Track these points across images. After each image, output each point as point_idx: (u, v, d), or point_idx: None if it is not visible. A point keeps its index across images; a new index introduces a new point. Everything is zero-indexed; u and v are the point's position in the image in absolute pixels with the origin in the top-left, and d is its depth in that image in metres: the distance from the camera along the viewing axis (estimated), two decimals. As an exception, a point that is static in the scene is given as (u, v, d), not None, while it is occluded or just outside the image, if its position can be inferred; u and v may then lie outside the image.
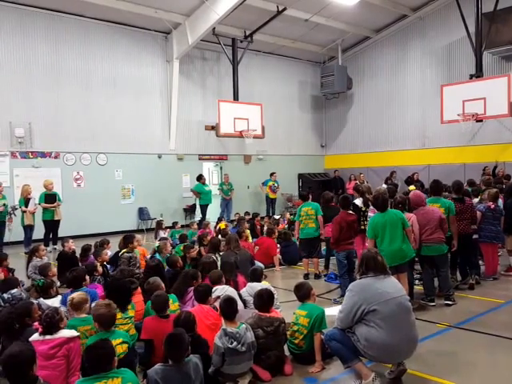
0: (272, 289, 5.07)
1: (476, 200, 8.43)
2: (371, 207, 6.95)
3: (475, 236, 7.63)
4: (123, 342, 4.10)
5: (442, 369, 4.48)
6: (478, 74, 14.52)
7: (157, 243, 8.52)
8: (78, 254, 8.61)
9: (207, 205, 15.34)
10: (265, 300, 4.65)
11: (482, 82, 14.21)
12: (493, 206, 7.93)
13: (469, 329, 5.55)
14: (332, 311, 5.21)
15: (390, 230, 5.94)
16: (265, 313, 4.59)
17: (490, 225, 7.82)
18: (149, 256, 8.27)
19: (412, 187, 11.91)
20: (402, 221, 6.03)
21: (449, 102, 14.69)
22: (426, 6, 17.41)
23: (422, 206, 6.70)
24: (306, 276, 8.33)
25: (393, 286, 4.17)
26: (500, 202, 8.41)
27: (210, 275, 5.65)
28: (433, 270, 6.68)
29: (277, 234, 9.87)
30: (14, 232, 11.94)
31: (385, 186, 11.11)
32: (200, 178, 15.26)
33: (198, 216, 15.94)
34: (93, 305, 5.01)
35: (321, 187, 17.94)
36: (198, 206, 15.89)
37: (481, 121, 14.63)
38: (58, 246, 11.07)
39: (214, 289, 5.34)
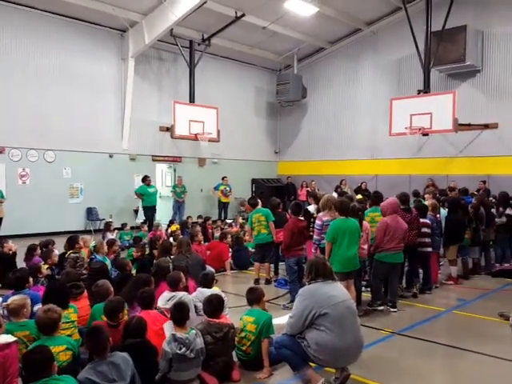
0: (222, 294, 5.06)
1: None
2: (319, 214, 7.08)
3: (429, 249, 7.80)
4: (67, 349, 3.95)
5: (384, 374, 4.64)
6: (426, 89, 15.02)
7: (93, 243, 8.26)
8: (19, 255, 8.22)
9: (152, 206, 14.68)
10: (214, 306, 4.63)
11: (429, 97, 14.73)
12: (439, 218, 8.34)
13: (411, 335, 5.76)
14: (281, 320, 5.26)
15: (349, 236, 6.09)
16: (214, 319, 4.57)
17: (435, 235, 8.12)
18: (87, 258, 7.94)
19: (359, 196, 12.24)
20: (358, 230, 6.26)
21: (397, 115, 15.12)
22: (379, 21, 18.00)
23: (397, 213, 6.92)
24: (257, 281, 8.37)
25: (339, 290, 4.33)
26: (443, 212, 8.83)
27: (167, 280, 5.49)
28: (385, 277, 6.87)
29: (229, 238, 9.86)
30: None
31: (335, 194, 11.38)
32: (145, 179, 14.70)
33: (140, 218, 15.37)
34: (35, 308, 4.87)
35: (273, 193, 18.08)
36: (140, 208, 15.28)
37: (427, 135, 15.17)
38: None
39: (172, 295, 5.23)
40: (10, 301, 4.52)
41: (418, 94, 15.22)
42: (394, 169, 17.62)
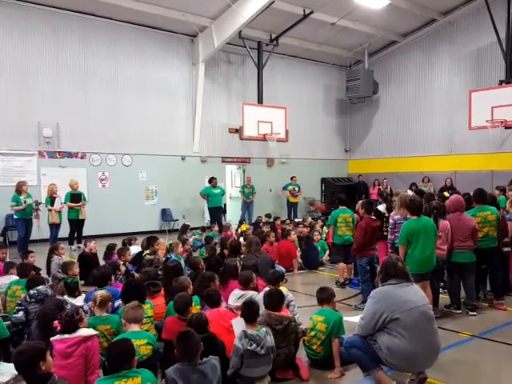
0: (290, 295, 5.03)
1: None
2: (391, 213, 6.84)
3: (507, 249, 7.26)
4: (148, 344, 4.09)
5: (462, 378, 4.41)
6: (509, 79, 14.23)
7: (170, 242, 8.52)
8: (100, 254, 8.67)
9: (217, 207, 14.82)
10: (275, 299, 4.65)
11: (512, 87, 13.92)
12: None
13: (492, 339, 5.41)
14: (354, 318, 5.14)
15: (424, 236, 5.77)
16: (274, 311, 4.56)
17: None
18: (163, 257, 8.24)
19: (446, 193, 11.66)
20: (434, 229, 5.91)
21: (477, 107, 14.43)
22: (455, 11, 17.08)
23: (460, 211, 6.56)
24: (344, 283, 8.11)
25: (416, 294, 4.10)
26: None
27: (239, 278, 5.60)
28: (460, 278, 6.53)
29: (294, 236, 9.64)
30: (42, 230, 12.04)
31: (410, 191, 10.94)
32: (211, 180, 14.91)
33: (206, 219, 15.67)
34: (116, 304, 5.11)
35: (344, 192, 17.74)
36: (206, 209, 15.50)
37: (510, 127, 14.31)
38: (83, 245, 11.19)
39: (242, 293, 5.32)
40: (98, 294, 4.75)
41: (500, 84, 14.38)
42: (475, 164, 16.61)
